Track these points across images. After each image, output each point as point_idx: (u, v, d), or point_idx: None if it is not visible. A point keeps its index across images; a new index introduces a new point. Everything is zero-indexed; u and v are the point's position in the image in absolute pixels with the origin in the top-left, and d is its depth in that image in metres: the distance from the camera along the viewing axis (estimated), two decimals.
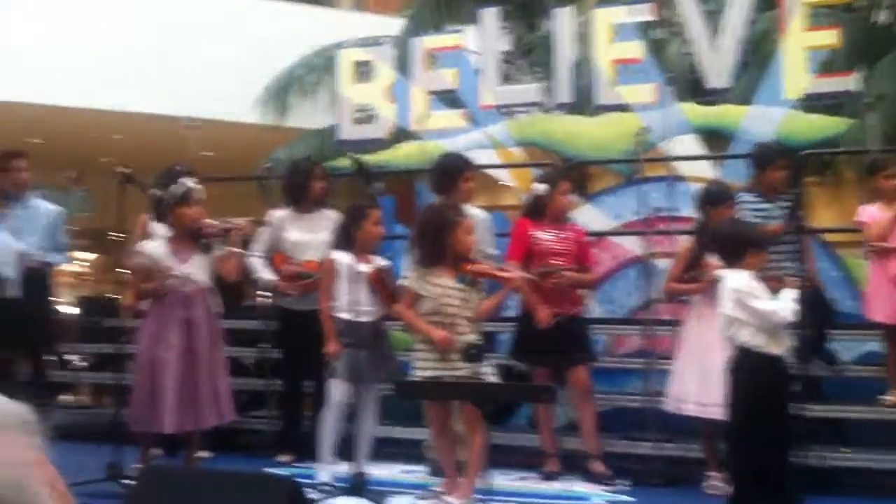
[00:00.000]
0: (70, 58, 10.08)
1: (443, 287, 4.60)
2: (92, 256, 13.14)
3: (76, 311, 8.00)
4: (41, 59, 10.00)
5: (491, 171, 8.07)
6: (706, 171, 7.02)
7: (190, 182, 4.98)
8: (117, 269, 5.58)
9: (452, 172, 5.37)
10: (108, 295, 8.05)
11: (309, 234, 5.75)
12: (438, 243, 4.62)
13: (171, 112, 9.18)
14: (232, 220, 5.20)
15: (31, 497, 0.65)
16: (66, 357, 7.35)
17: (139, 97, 10.22)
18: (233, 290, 6.80)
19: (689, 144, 7.28)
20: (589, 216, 7.16)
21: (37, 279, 5.98)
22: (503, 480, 5.21)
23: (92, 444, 5.03)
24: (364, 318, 4.84)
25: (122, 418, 5.06)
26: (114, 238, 6.02)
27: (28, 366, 5.67)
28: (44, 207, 6.27)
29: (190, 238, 4.97)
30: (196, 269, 4.95)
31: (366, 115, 8.14)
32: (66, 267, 6.84)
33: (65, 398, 7.74)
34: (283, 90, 10.00)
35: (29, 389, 5.63)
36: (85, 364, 7.54)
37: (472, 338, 4.59)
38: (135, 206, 5.79)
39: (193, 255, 4.97)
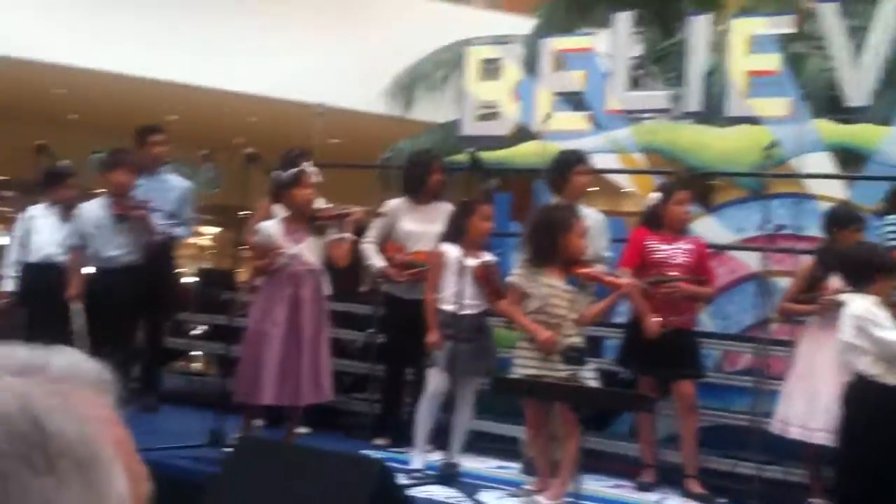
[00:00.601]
0: (209, 40, 10.43)
1: (551, 287, 4.58)
2: (215, 231, 13.59)
3: (195, 282, 8.30)
4: (182, 39, 10.38)
5: (612, 177, 7.99)
6: (837, 190, 6.77)
7: (305, 165, 5.09)
8: (237, 245, 5.71)
9: (564, 166, 5.36)
10: (226, 269, 8.31)
11: (422, 226, 5.81)
12: (550, 243, 4.60)
13: (302, 98, 9.39)
14: (348, 207, 5.28)
15: (95, 452, 0.67)
16: (184, 326, 7.63)
17: (274, 82, 10.50)
18: (348, 274, 6.94)
19: (821, 162, 7.02)
20: (710, 228, 7.00)
21: (162, 250, 6.22)
22: (597, 486, 5.14)
23: (200, 410, 5.18)
24: (467, 312, 4.86)
25: (228, 388, 5.22)
26: (237, 215, 6.20)
27: (147, 332, 5.88)
28: (174, 182, 6.51)
29: (304, 220, 5.08)
30: (307, 250, 5.06)
31: (489, 112, 8.15)
32: (190, 239, 7.07)
33: (179, 365, 8.03)
34: (411, 83, 10.11)
35: (144, 354, 5.87)
36: (199, 333, 7.81)
37: (575, 340, 4.56)
38: (259, 185, 5.96)
39: (306, 237, 5.08)
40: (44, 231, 5.98)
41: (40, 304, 5.88)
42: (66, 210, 6.03)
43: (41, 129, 11.12)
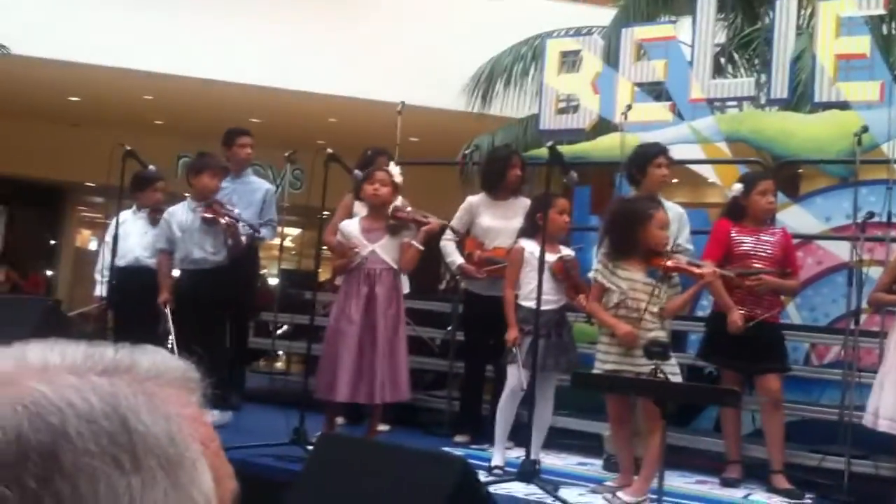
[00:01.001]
0: (289, 44, 10.59)
1: (631, 281, 4.52)
2: (297, 231, 13.78)
3: (278, 282, 8.43)
4: (262, 43, 10.55)
5: (695, 167, 7.85)
6: None
7: (388, 164, 5.13)
8: (319, 246, 5.79)
9: (642, 159, 5.31)
10: (308, 269, 8.41)
11: (502, 221, 5.79)
12: (629, 236, 4.54)
13: (382, 98, 9.47)
14: (426, 216, 5.31)
15: (181, 450, 0.68)
16: (267, 326, 7.76)
17: (354, 82, 10.60)
18: (428, 272, 6.98)
19: None
20: (797, 218, 6.82)
21: (246, 252, 6.32)
22: (681, 482, 5.07)
23: (284, 408, 5.25)
24: (547, 307, 4.82)
25: (310, 386, 5.29)
26: (319, 216, 6.27)
27: (231, 332, 5.98)
28: (258, 184, 6.63)
29: (381, 218, 5.12)
30: (382, 249, 5.11)
31: (569, 106, 8.08)
32: (274, 241, 7.18)
33: (262, 364, 8.17)
34: (489, 78, 10.09)
35: (229, 354, 5.98)
36: (282, 333, 7.93)
37: (658, 334, 4.49)
38: (340, 186, 6.02)
39: (383, 236, 5.12)
40: (132, 235, 6.14)
41: (130, 308, 6.04)
42: (154, 214, 6.18)
43: (129, 135, 11.47)
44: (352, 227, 5.20)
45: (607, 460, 5.29)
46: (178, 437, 0.67)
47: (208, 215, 5.63)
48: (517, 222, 5.55)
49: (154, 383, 0.69)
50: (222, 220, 5.59)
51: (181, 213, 5.76)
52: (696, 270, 4.55)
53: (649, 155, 5.38)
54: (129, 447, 0.63)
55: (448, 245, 5.91)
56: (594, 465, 5.38)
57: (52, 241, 16.68)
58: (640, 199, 4.86)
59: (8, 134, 13.46)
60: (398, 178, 5.21)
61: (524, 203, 5.68)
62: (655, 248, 4.51)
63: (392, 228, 5.15)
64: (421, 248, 5.18)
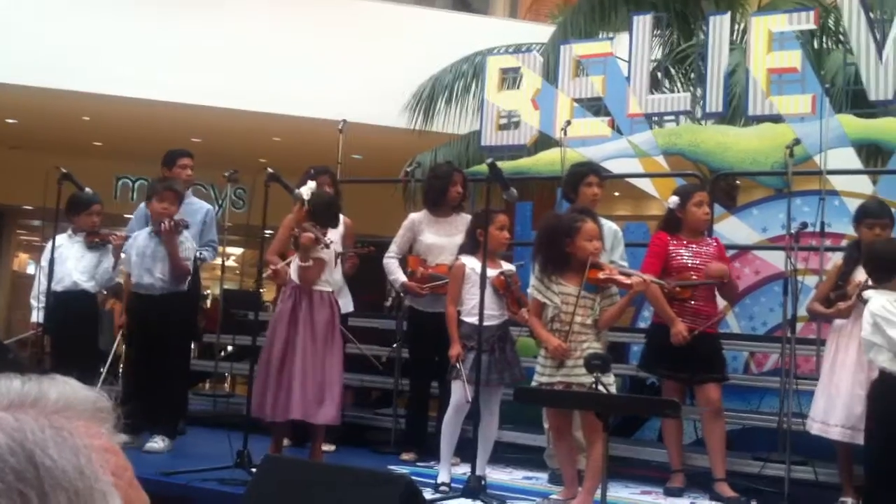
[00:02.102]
0: (231, 62, 10.53)
1: (564, 294, 4.56)
2: (240, 251, 13.67)
3: (220, 302, 8.35)
4: (204, 62, 10.48)
5: (635, 181, 7.96)
6: (862, 186, 6.69)
7: (310, 187, 5.15)
8: (261, 265, 5.76)
9: (574, 178, 5.43)
10: (251, 289, 8.35)
11: (444, 238, 5.81)
12: (558, 250, 4.58)
13: (324, 116, 9.45)
14: (325, 235, 5.29)
15: (90, 482, 0.67)
16: (210, 347, 7.68)
17: (297, 101, 10.57)
18: (373, 289, 6.96)
19: (846, 158, 6.94)
20: (735, 229, 6.96)
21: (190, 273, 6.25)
22: (626, 493, 5.12)
23: (228, 431, 5.19)
24: (489, 323, 4.85)
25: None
26: (262, 234, 6.24)
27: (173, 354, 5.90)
28: (199, 205, 6.56)
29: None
30: (292, 270, 5.15)
31: (510, 122, 8.16)
32: (216, 260, 7.12)
33: (205, 386, 8.08)
34: (431, 96, 10.13)
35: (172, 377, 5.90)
36: (225, 354, 7.86)
37: (594, 346, 4.53)
38: (283, 204, 5.99)
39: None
40: (69, 259, 6.03)
41: (68, 333, 5.94)
42: (91, 238, 6.09)
43: (68, 156, 11.30)
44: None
45: (553, 474, 5.32)
46: (88, 470, 0.66)
47: (156, 230, 5.64)
48: (459, 238, 5.57)
49: (62, 416, 0.69)
50: (164, 224, 5.57)
51: (141, 239, 5.76)
52: (626, 280, 4.60)
53: (580, 175, 5.50)
54: (37, 482, 0.63)
55: (391, 263, 5.92)
56: (540, 479, 5.41)
57: None
58: (570, 212, 4.92)
59: None
60: (306, 194, 5.20)
61: (466, 219, 5.71)
62: (584, 259, 4.55)
63: (295, 246, 5.21)
64: (301, 263, 5.11)
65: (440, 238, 5.85)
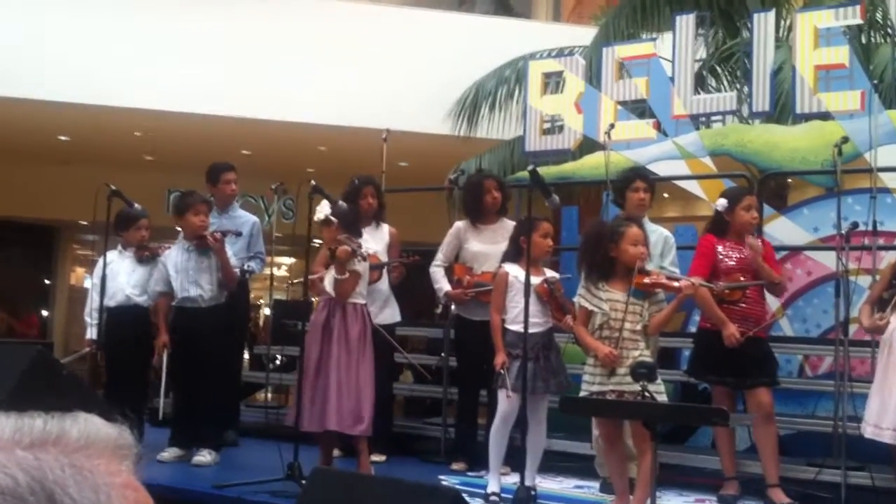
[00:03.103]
0: (277, 74, 10.63)
1: (612, 301, 4.52)
2: (291, 261, 13.77)
3: (270, 313, 8.43)
4: (251, 75, 10.60)
5: (681, 183, 7.88)
6: None
7: (321, 210, 5.20)
8: (309, 275, 5.80)
9: (621, 184, 5.40)
10: (300, 299, 8.41)
11: (489, 246, 5.81)
12: (603, 256, 4.54)
13: (369, 125, 9.50)
14: (363, 247, 5.31)
15: None
16: (261, 359, 7.75)
17: (341, 111, 10.63)
18: (423, 298, 6.98)
19: None
20: (785, 229, 6.85)
21: (237, 285, 6.32)
22: (678, 501, 5.07)
23: (279, 442, 5.23)
24: (534, 330, 4.83)
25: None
26: (309, 245, 6.30)
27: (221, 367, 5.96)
28: (245, 217, 6.63)
29: None
30: (327, 282, 5.18)
31: (554, 126, 8.12)
32: (265, 271, 7.19)
33: (258, 397, 8.16)
34: (475, 102, 10.13)
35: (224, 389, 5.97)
36: (274, 365, 7.93)
37: (644, 353, 4.48)
38: None
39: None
40: (120, 274, 6.14)
41: (122, 348, 6.04)
42: (140, 252, 6.20)
43: (119, 171, 11.49)
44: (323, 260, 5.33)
45: (604, 483, 5.28)
46: None
47: (199, 244, 5.71)
48: (504, 246, 5.58)
49: (83, 454, 0.69)
50: (209, 238, 5.64)
51: (175, 254, 5.82)
52: (674, 284, 4.55)
53: (626, 180, 5.48)
54: None
55: (437, 272, 5.94)
56: (592, 488, 5.37)
57: (46, 281, 16.65)
58: (616, 219, 4.90)
59: None
60: (320, 215, 5.23)
61: (510, 226, 5.70)
62: (629, 265, 4.51)
63: (332, 259, 5.22)
64: (338, 276, 5.12)
65: (485, 246, 5.85)
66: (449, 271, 5.98)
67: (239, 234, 5.82)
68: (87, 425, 0.72)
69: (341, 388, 5.08)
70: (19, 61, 10.02)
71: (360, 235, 5.26)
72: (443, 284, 5.90)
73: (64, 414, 0.74)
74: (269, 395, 7.82)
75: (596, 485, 5.39)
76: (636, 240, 4.51)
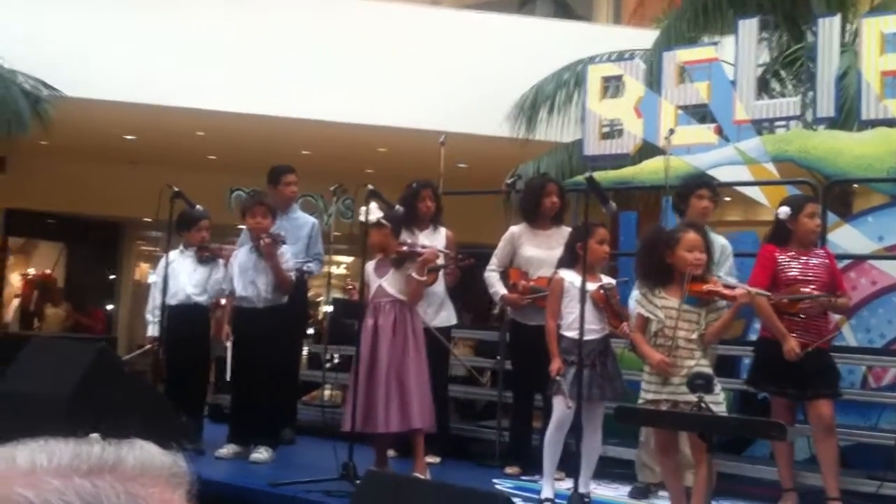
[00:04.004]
0: (338, 77, 10.72)
1: (668, 308, 4.48)
2: (350, 259, 13.86)
3: (330, 311, 8.50)
4: (312, 78, 10.71)
5: (744, 189, 7.78)
6: None
7: (373, 211, 5.27)
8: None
9: (685, 190, 5.37)
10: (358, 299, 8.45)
11: (544, 251, 5.80)
12: (659, 262, 4.50)
13: (428, 126, 9.55)
14: (425, 246, 5.53)
15: None
16: (318, 357, 7.81)
17: (400, 113, 10.70)
18: (480, 302, 7.00)
19: None
20: (849, 238, 6.72)
21: (295, 285, 6.40)
22: None
23: (334, 441, 5.27)
24: (589, 337, 4.81)
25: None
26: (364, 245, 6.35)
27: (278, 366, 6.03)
28: (304, 219, 6.72)
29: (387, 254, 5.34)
30: (388, 282, 5.27)
31: (613, 130, 8.08)
32: (326, 269, 7.26)
33: (314, 396, 8.23)
34: (533, 105, 10.11)
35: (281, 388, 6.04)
36: (331, 364, 7.99)
37: (700, 362, 4.43)
38: None
39: (388, 270, 5.30)
40: (182, 274, 6.26)
41: (183, 346, 6.16)
42: (201, 252, 6.31)
43: (183, 170, 11.70)
44: (369, 265, 5.37)
45: (635, 488, 5.27)
46: None
47: (256, 246, 5.81)
48: (559, 252, 5.56)
49: (138, 482, 0.71)
50: (260, 242, 5.72)
51: (242, 255, 5.93)
52: (730, 293, 4.49)
53: (692, 187, 5.43)
54: None
55: (491, 276, 5.94)
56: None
57: (112, 276, 17.02)
58: (678, 225, 4.85)
59: (66, 174, 13.82)
60: (372, 217, 5.29)
61: (565, 232, 5.69)
62: (685, 271, 4.46)
63: (395, 262, 5.31)
64: (418, 278, 5.25)
65: (540, 251, 5.84)
66: (504, 275, 5.98)
67: (283, 241, 5.87)
68: (143, 453, 0.74)
69: (391, 389, 5.11)
70: (88, 64, 10.26)
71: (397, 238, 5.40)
72: (498, 288, 5.90)
73: (121, 441, 0.76)
74: (327, 394, 7.88)
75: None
76: (692, 246, 4.45)
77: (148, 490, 0.71)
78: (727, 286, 4.60)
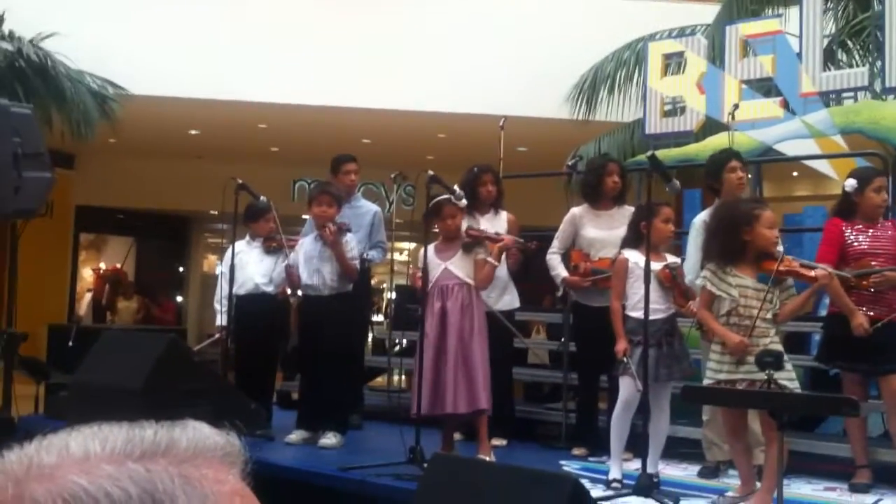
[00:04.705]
0: (395, 64, 10.75)
1: (742, 287, 4.41)
2: (412, 246, 13.90)
3: (393, 297, 8.56)
4: (370, 66, 10.75)
5: (811, 163, 7.62)
6: None
7: (452, 193, 5.34)
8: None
9: (715, 167, 5.32)
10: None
11: (606, 231, 5.76)
12: (736, 239, 4.42)
13: (487, 111, 9.52)
14: (498, 233, 5.56)
15: None
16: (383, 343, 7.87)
17: (459, 98, 10.68)
18: (543, 284, 6.97)
19: None
20: None
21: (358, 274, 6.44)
22: (807, 490, 4.92)
23: (401, 426, 5.31)
24: (655, 317, 4.76)
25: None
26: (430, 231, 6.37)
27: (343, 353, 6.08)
28: (367, 207, 6.76)
29: (456, 239, 5.36)
30: (454, 265, 5.29)
31: (675, 108, 7.97)
32: (388, 256, 7.31)
33: (381, 381, 8.30)
34: (593, 85, 10.00)
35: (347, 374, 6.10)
36: (397, 349, 8.05)
37: (772, 341, 4.37)
38: None
39: (455, 253, 5.32)
40: (250, 264, 6.36)
41: (252, 335, 6.26)
42: (268, 243, 6.41)
43: (246, 163, 11.85)
44: (429, 249, 5.39)
45: (704, 468, 5.22)
46: None
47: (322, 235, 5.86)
48: (621, 232, 5.52)
49: (192, 464, 0.70)
50: (325, 231, 5.76)
51: (308, 244, 5.99)
52: (810, 273, 4.40)
53: (721, 161, 5.32)
54: None
55: (553, 258, 5.91)
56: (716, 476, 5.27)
57: (180, 269, 17.35)
58: (745, 200, 4.75)
59: (134, 170, 14.11)
60: (463, 203, 5.38)
61: (627, 212, 5.65)
62: (764, 249, 4.39)
63: (466, 246, 5.33)
64: (496, 263, 5.33)
65: (601, 232, 5.80)
66: (566, 258, 5.95)
67: (349, 230, 5.92)
68: (196, 434, 0.73)
69: (458, 370, 5.14)
70: (152, 61, 10.43)
71: None
72: (560, 271, 5.88)
73: (174, 422, 0.75)
74: (393, 379, 7.95)
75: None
76: (772, 223, 4.38)
77: (202, 471, 0.70)
78: (805, 265, 4.51)
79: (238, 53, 10.74)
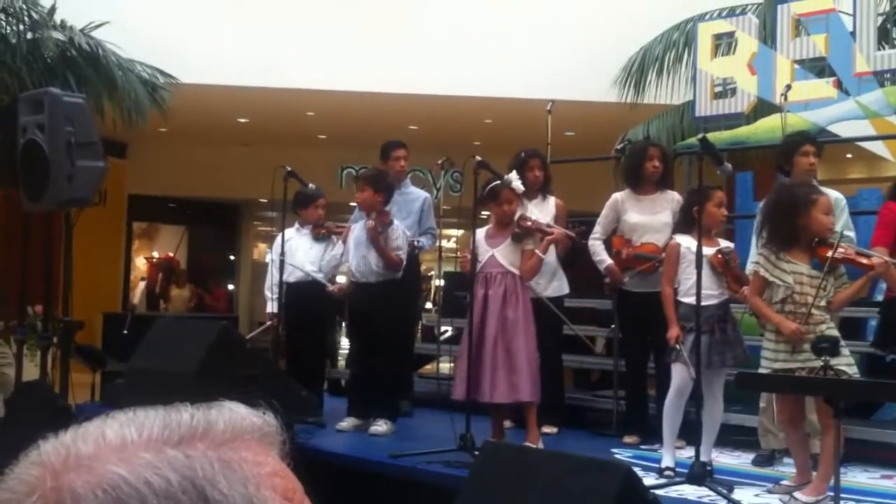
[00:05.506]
0: (442, 49, 10.72)
1: (797, 274, 4.33)
2: (460, 233, 13.89)
3: (442, 284, 8.55)
4: (417, 52, 10.73)
5: (866, 144, 7.48)
6: None
7: (508, 178, 5.30)
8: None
9: (788, 149, 5.19)
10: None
11: (648, 216, 5.70)
12: (790, 225, 4.34)
13: (534, 95, 9.46)
14: (550, 226, 5.56)
15: None
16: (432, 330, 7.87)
17: (506, 83, 10.63)
18: (592, 270, 6.92)
19: None
20: None
21: (407, 261, 6.44)
22: (863, 478, 4.84)
23: (451, 413, 5.30)
24: (708, 302, 4.70)
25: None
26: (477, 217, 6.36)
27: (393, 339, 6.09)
28: (416, 193, 6.75)
29: (508, 227, 5.31)
30: (500, 254, 5.27)
31: (726, 89, 7.85)
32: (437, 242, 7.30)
33: (430, 368, 8.32)
34: (641, 68, 9.88)
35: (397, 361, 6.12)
36: (446, 336, 8.05)
37: (828, 327, 4.29)
38: None
39: (504, 241, 5.29)
40: (299, 251, 6.40)
41: (302, 321, 6.30)
42: (318, 230, 6.44)
43: (294, 150, 11.91)
44: (479, 234, 5.37)
45: (758, 456, 5.15)
46: (257, 500, 0.68)
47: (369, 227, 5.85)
48: (664, 216, 5.48)
49: (230, 447, 0.70)
50: (367, 223, 5.76)
51: (357, 229, 6.00)
52: (866, 261, 4.31)
53: (795, 144, 5.19)
54: None
55: (595, 244, 5.86)
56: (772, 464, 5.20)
57: (231, 257, 17.51)
58: (801, 184, 4.65)
59: (185, 159, 14.26)
60: (520, 189, 5.34)
61: (670, 196, 5.59)
62: (820, 235, 4.30)
63: (516, 236, 5.30)
64: (543, 256, 5.32)
65: (644, 216, 5.73)
66: (608, 244, 5.90)
67: (390, 223, 5.90)
68: (233, 416, 0.72)
69: (497, 359, 5.13)
70: (201, 50, 10.51)
71: None
72: (603, 257, 5.83)
73: (210, 404, 0.73)
74: (443, 366, 7.96)
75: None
76: (828, 208, 4.29)
77: (241, 454, 0.70)
78: (861, 253, 4.42)
79: (286, 42, 10.79)
